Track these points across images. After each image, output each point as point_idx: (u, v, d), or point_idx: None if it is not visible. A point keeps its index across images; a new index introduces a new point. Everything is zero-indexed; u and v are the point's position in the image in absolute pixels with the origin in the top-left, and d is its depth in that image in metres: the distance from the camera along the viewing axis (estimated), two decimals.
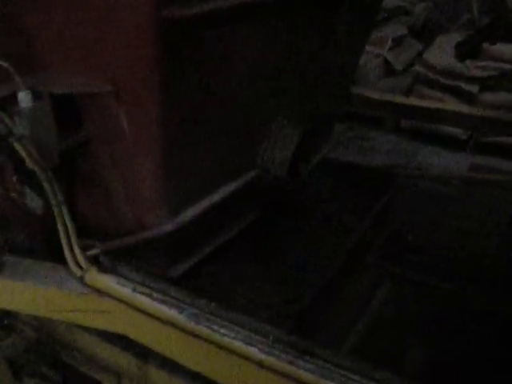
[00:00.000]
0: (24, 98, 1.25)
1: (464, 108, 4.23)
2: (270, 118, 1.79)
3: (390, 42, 5.04)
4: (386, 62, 5.08)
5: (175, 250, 1.69)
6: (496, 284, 2.13)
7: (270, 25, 1.52)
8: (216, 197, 1.73)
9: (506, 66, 3.99)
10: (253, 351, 1.09)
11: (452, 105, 4.32)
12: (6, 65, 1.23)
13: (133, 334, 1.32)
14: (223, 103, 1.53)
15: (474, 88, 4.21)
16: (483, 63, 4.12)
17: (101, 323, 1.38)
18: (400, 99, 4.77)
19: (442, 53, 4.43)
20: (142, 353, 1.55)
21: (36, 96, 1.27)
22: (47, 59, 1.33)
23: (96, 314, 1.34)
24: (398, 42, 5.11)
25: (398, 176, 3.39)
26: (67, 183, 1.59)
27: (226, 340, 1.13)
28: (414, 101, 4.67)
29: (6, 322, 1.96)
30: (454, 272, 2.34)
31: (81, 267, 1.36)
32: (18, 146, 1.25)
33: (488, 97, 4.16)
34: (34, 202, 1.42)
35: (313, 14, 1.67)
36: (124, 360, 1.66)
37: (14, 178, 1.38)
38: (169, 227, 1.58)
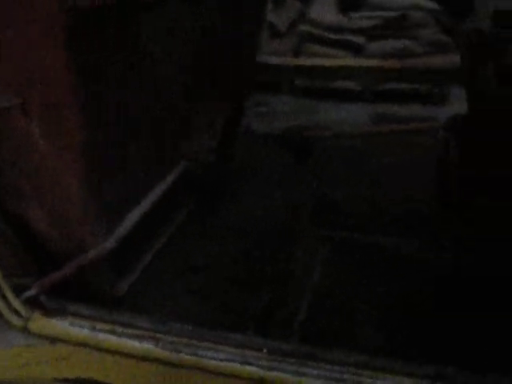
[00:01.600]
0: None
1: (355, 61, 4.31)
2: (192, 106, 1.67)
3: (270, 3, 4.95)
4: (270, 24, 5.01)
5: (116, 266, 1.52)
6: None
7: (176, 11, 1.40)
8: (150, 199, 1.58)
9: (390, 14, 4.06)
10: (250, 370, 0.98)
11: (343, 60, 4.35)
12: None
13: (101, 376, 1.15)
14: (141, 99, 1.41)
15: (360, 39, 4.25)
16: (367, 13, 4.18)
17: (57, 372, 1.19)
18: (289, 61, 4.77)
19: (324, 9, 4.44)
20: None
21: None
22: None
23: (50, 364, 1.15)
24: (278, 3, 5.05)
25: (310, 138, 3.41)
26: None
27: (213, 363, 1.01)
28: (303, 61, 4.68)
29: None
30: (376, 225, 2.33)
31: (20, 315, 1.16)
32: None
33: (375, 46, 4.23)
34: None
35: None
36: None
37: None
38: (108, 245, 1.41)
